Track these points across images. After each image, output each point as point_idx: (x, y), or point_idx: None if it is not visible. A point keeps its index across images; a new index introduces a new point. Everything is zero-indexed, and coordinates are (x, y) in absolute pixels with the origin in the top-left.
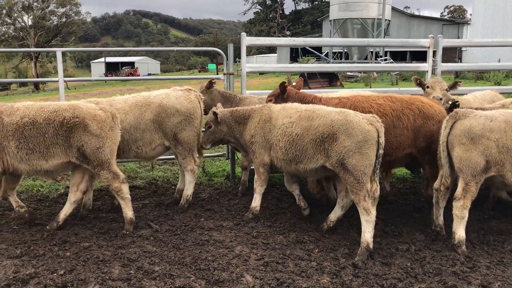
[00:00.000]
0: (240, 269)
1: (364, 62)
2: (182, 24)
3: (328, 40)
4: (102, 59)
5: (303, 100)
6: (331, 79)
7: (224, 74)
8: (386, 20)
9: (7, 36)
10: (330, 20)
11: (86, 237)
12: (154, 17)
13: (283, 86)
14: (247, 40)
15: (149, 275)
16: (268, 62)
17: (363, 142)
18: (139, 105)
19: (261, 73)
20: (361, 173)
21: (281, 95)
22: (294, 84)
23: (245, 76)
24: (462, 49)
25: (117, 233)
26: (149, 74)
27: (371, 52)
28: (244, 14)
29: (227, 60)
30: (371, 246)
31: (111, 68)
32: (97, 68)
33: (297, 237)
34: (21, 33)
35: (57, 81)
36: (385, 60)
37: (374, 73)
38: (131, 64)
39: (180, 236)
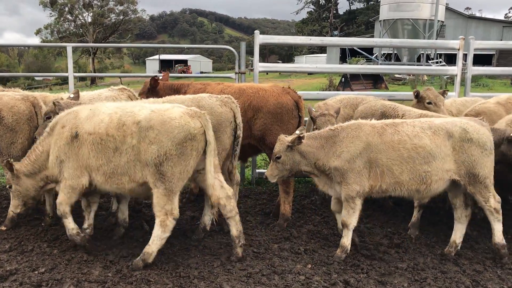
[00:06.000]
0: (220, 279)
1: (411, 64)
2: (237, 23)
3: (349, 39)
4: (156, 56)
5: (172, 88)
6: (376, 81)
7: (236, 73)
8: (439, 21)
9: (68, 32)
10: (380, 21)
11: None
12: (210, 16)
13: (154, 80)
14: (260, 39)
15: (126, 279)
16: (318, 62)
17: (216, 126)
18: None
19: (310, 74)
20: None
21: (154, 89)
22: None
23: (257, 75)
24: None
25: (109, 233)
26: (202, 72)
27: (422, 54)
28: (296, 13)
29: (239, 58)
30: (207, 228)
31: (165, 66)
32: (152, 65)
33: (291, 248)
34: (81, 29)
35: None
36: (437, 63)
37: (425, 76)
38: (184, 62)
39: (169, 240)
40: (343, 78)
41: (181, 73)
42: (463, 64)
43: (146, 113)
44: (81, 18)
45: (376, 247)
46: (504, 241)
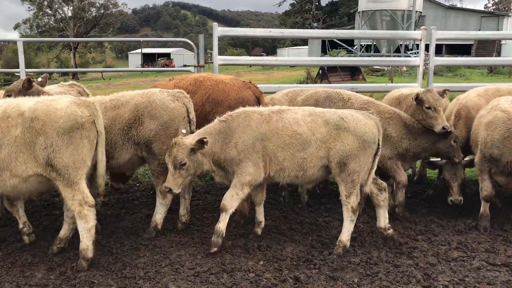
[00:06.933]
0: (167, 279)
1: (387, 55)
2: (220, 16)
3: (308, 31)
4: (139, 50)
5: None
6: (353, 72)
7: (195, 66)
8: (417, 12)
9: (48, 27)
10: (359, 12)
11: None
12: (193, 8)
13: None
14: (218, 31)
15: (69, 281)
16: (300, 55)
17: (168, 122)
18: None
19: (292, 66)
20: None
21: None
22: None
23: (217, 68)
24: (501, 43)
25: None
26: (185, 65)
27: (400, 45)
28: (279, 5)
29: (198, 51)
30: (159, 227)
31: (148, 59)
32: (135, 59)
33: (245, 244)
34: (61, 24)
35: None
36: (415, 53)
37: (404, 67)
38: (167, 55)
39: (120, 240)
40: (320, 70)
41: (164, 66)
42: (425, 54)
43: (31, 104)
44: (61, 12)
45: (332, 241)
46: (348, 244)
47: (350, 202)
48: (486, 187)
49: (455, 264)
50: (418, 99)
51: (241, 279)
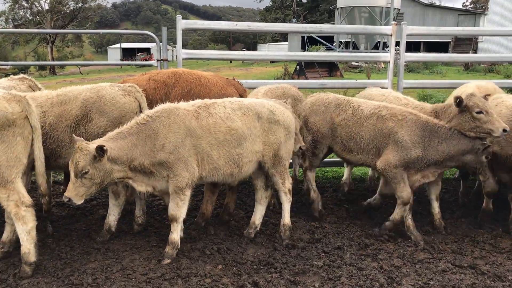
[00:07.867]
0: (116, 285)
1: (362, 52)
2: (202, 11)
3: (277, 25)
4: (118, 45)
5: None
6: (331, 69)
7: (158, 60)
8: (395, 9)
9: (24, 20)
10: (337, 8)
11: None
12: (174, 3)
13: None
14: (182, 24)
15: None
16: (280, 50)
17: (119, 118)
18: None
19: (272, 62)
20: None
21: None
22: None
23: (181, 63)
24: (478, 40)
25: None
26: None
27: (379, 42)
28: (260, 1)
29: (161, 44)
30: (113, 229)
31: (127, 54)
32: (114, 53)
33: (204, 247)
34: (37, 17)
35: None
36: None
37: (382, 63)
38: (147, 50)
39: (71, 243)
40: (298, 66)
41: (143, 61)
42: (396, 50)
43: None
44: (38, 5)
45: (296, 242)
46: (290, 224)
47: (286, 186)
48: (489, 183)
49: (420, 267)
50: (463, 105)
51: (196, 285)
